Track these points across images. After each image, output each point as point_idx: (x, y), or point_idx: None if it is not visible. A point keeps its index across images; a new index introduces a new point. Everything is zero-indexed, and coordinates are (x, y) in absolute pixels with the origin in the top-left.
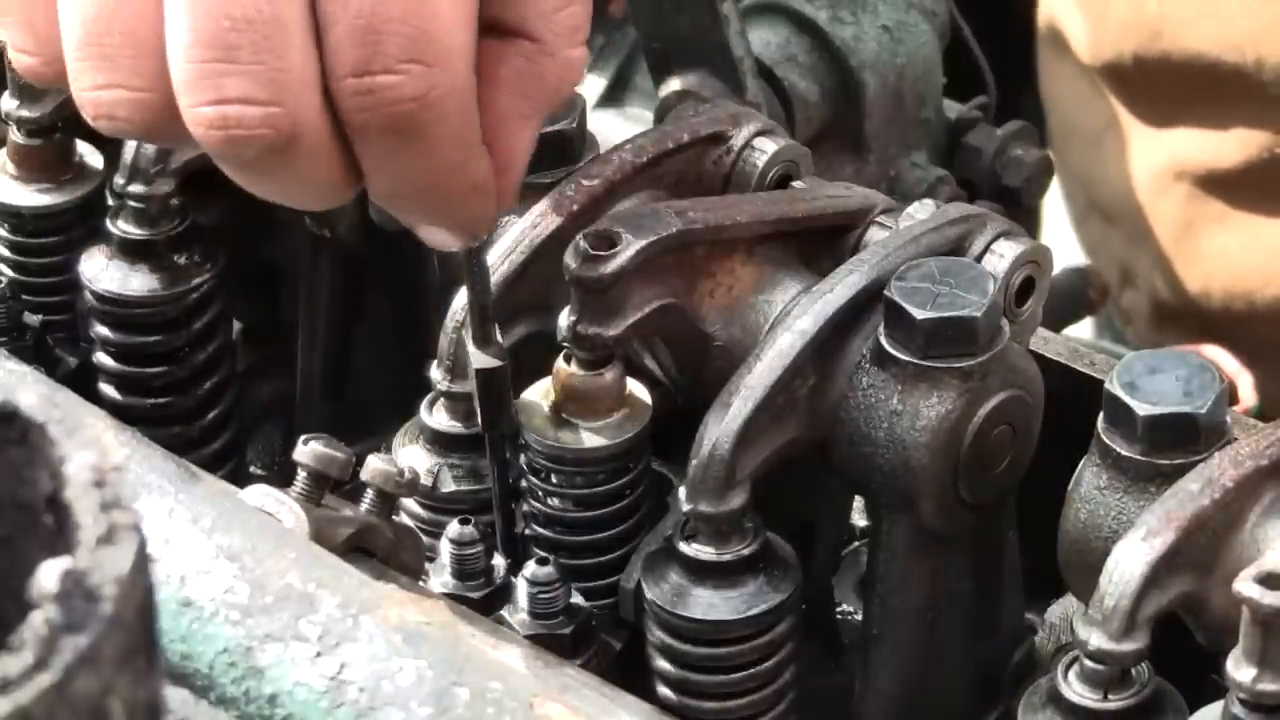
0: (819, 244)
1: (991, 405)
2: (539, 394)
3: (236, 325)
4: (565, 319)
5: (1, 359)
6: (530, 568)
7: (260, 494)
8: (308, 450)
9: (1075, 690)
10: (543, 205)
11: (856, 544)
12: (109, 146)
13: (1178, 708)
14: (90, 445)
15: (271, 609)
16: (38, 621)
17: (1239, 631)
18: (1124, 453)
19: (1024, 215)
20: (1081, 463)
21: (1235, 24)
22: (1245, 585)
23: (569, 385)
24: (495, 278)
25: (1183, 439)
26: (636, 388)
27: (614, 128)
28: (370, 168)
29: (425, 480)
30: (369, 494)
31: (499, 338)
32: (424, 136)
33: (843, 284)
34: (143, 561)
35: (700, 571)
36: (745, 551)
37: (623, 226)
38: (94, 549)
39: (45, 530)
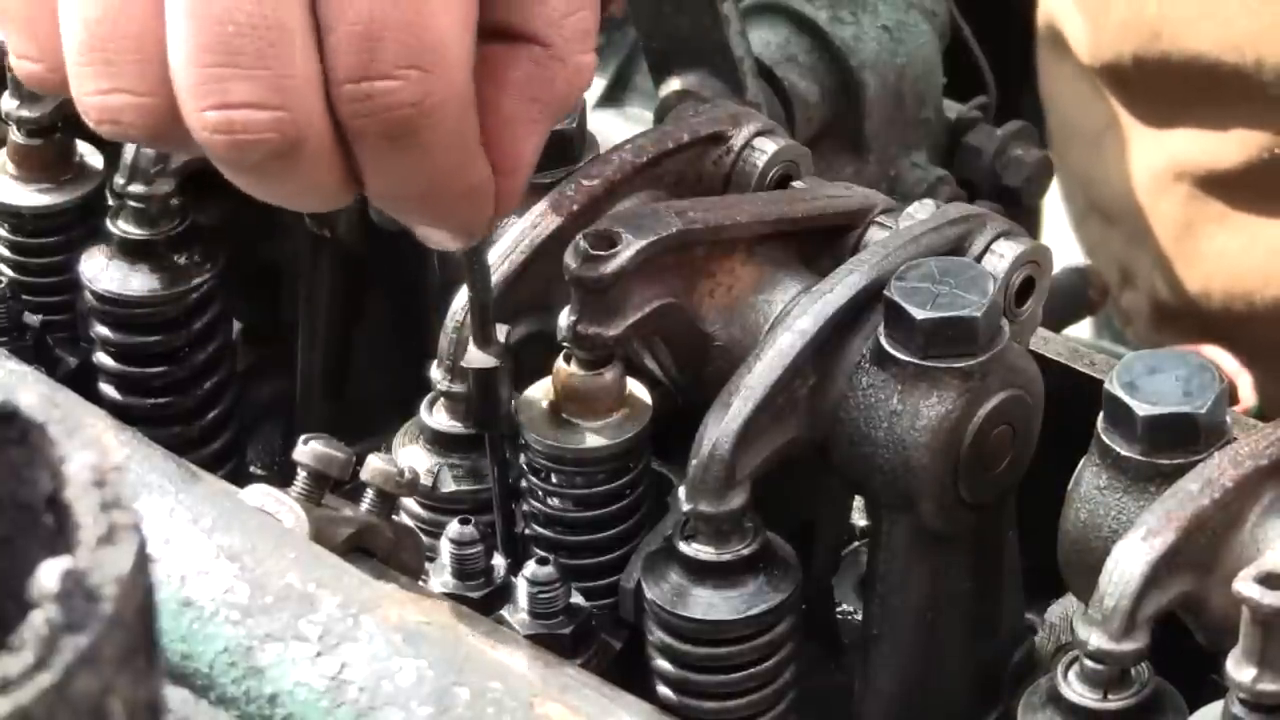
0: (819, 244)
1: (991, 405)
2: (539, 394)
3: (236, 325)
4: (565, 319)
5: (1, 359)
6: (530, 568)
7: (260, 494)
8: (308, 450)
9: (1075, 690)
10: (543, 205)
11: (856, 544)
12: (109, 147)
13: (1178, 708)
14: (90, 445)
15: (272, 609)
16: (38, 621)
17: (1239, 631)
18: (1124, 453)
19: (1024, 215)
20: (1081, 463)
21: (1235, 25)
22: (1245, 585)
23: (569, 385)
24: (495, 277)
25: (1183, 439)
26: (636, 388)
27: (614, 128)
28: (368, 171)
29: (425, 480)
30: (369, 494)
31: (500, 338)
32: (421, 141)
33: (843, 284)
34: (143, 561)
35: (700, 571)
36: (745, 551)
37: (623, 226)
38: (94, 549)
39: (45, 530)
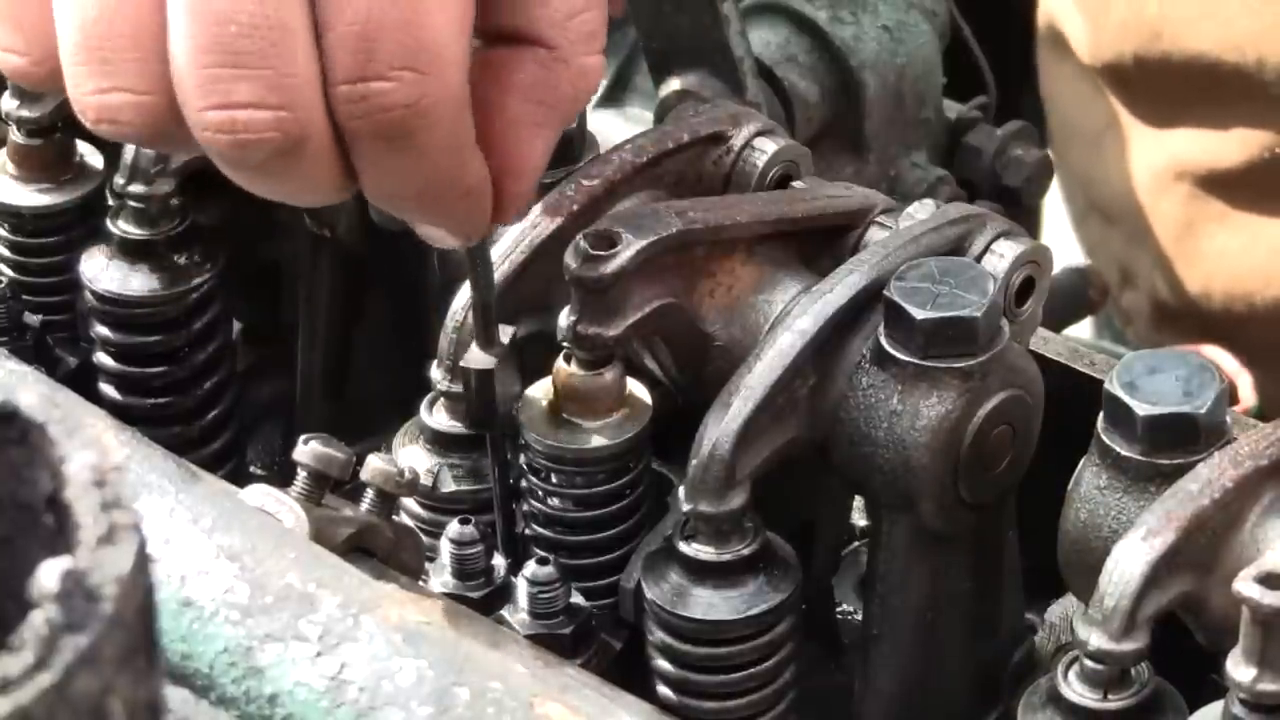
0: (819, 244)
1: (991, 405)
2: (539, 394)
3: (236, 325)
4: (565, 319)
5: (1, 359)
6: (530, 568)
7: (260, 494)
8: (308, 450)
9: (1075, 690)
10: (543, 205)
11: (856, 544)
12: (109, 146)
13: (1178, 708)
14: (90, 445)
15: (272, 609)
16: (38, 621)
17: (1239, 631)
18: (1124, 453)
19: (1024, 215)
20: (1081, 463)
21: (1236, 24)
22: (1245, 585)
23: (569, 385)
24: (495, 277)
25: (1182, 439)
26: (636, 388)
27: (614, 128)
28: (365, 170)
29: (425, 480)
30: (369, 494)
31: (502, 337)
32: (416, 143)
33: (843, 284)
34: (143, 561)
35: (700, 571)
36: (745, 551)
37: (623, 226)
38: (94, 549)
39: (45, 530)
